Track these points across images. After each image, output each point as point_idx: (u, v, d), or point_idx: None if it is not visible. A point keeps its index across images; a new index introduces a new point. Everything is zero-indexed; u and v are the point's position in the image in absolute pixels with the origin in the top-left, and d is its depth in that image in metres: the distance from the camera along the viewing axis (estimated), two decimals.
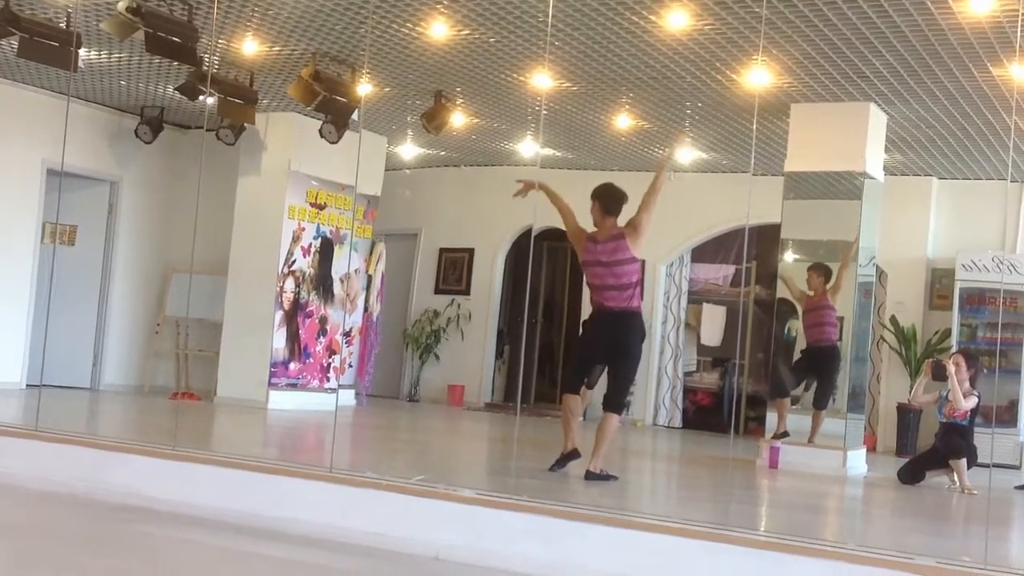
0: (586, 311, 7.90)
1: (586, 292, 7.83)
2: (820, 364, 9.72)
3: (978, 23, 7.16)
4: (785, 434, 9.51)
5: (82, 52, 9.23)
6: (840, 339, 9.79)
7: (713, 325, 13.35)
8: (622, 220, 7.48)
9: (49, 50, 8.59)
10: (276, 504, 5.96)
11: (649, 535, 5.27)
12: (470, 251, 14.39)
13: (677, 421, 13.16)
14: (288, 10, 8.15)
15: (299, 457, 8.19)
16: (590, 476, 7.12)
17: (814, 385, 9.90)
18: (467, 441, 10.75)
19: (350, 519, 5.75)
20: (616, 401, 7.35)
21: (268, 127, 11.54)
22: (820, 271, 9.76)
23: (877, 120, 9.47)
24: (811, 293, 9.81)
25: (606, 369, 7.52)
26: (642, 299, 7.54)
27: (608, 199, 7.46)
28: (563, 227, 7.71)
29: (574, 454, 7.32)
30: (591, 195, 7.50)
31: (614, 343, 7.29)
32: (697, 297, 13.46)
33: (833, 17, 7.30)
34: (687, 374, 13.37)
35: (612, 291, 7.26)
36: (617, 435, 7.54)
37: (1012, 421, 10.98)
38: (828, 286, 9.70)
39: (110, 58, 9.90)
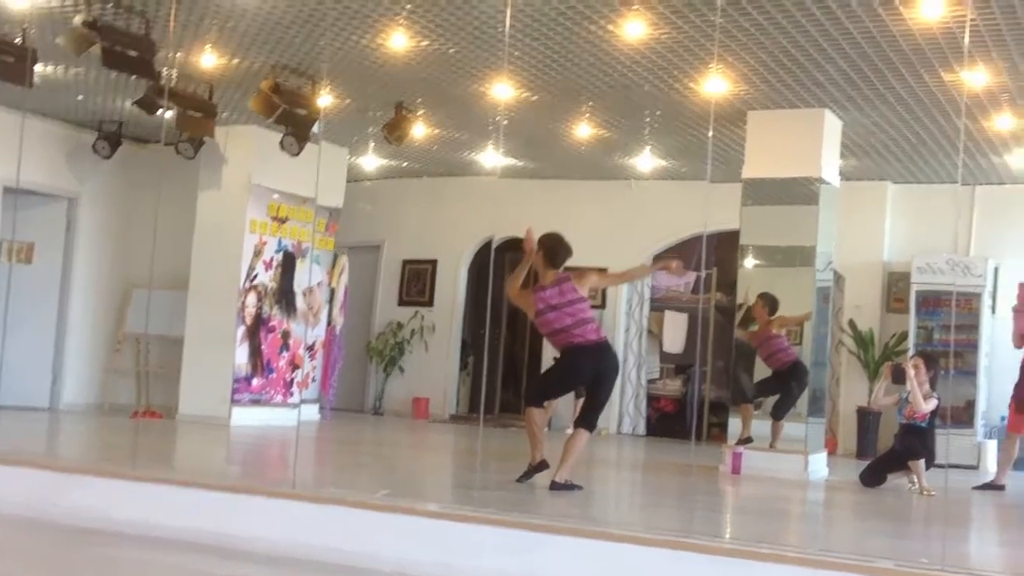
0: None
1: None
2: (788, 379, 9.82)
3: (929, 29, 7.27)
4: (749, 439, 9.58)
5: (38, 67, 9.15)
6: (801, 343, 9.88)
7: (675, 332, 13.43)
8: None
9: (4, 66, 8.51)
10: (239, 523, 5.91)
11: (616, 545, 5.28)
12: (433, 262, 14.37)
13: (641, 429, 13.22)
14: (247, 23, 8.13)
15: (262, 474, 8.15)
16: (555, 487, 7.15)
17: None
18: (432, 454, 10.74)
19: (314, 536, 5.73)
20: (591, 420, 7.46)
21: (228, 140, 11.48)
22: (766, 302, 9.84)
23: (832, 126, 9.58)
24: (754, 327, 9.94)
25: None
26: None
27: (553, 252, 7.47)
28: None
29: (543, 465, 7.35)
30: (538, 240, 7.48)
31: (598, 374, 7.40)
32: (659, 304, 13.54)
33: (787, 25, 7.39)
34: (650, 381, 13.43)
35: (574, 329, 7.32)
36: (585, 448, 7.60)
37: (969, 422, 11.12)
38: (772, 317, 9.80)
39: (67, 73, 9.82)
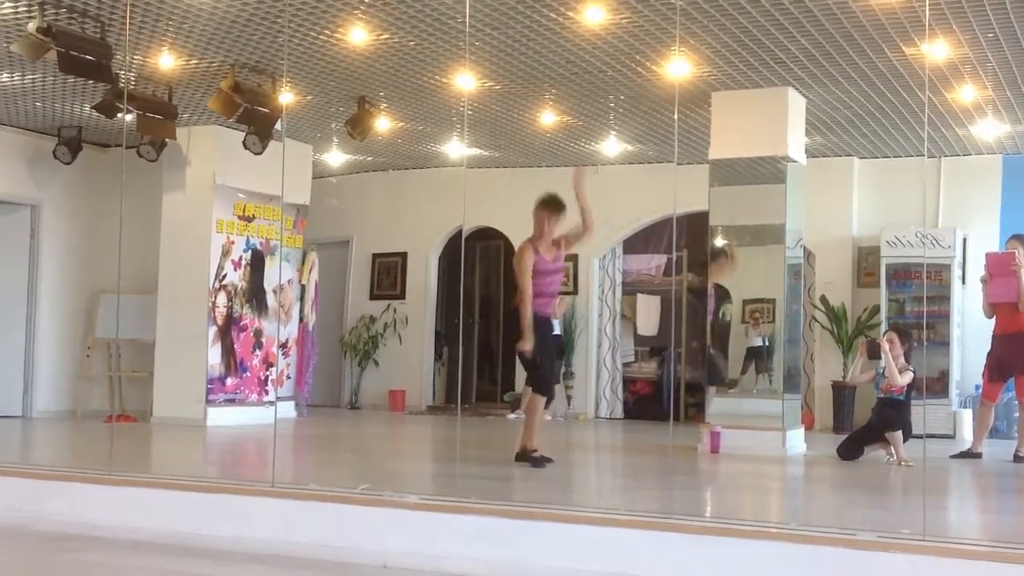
0: None
1: None
2: None
3: (888, 3, 7.29)
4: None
5: None
6: (774, 321, 9.92)
7: (648, 315, 13.46)
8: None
9: None
10: (218, 523, 5.88)
11: (598, 528, 5.28)
12: (403, 255, 14.36)
13: (619, 412, 13.25)
14: (203, 22, 8.05)
15: (240, 473, 8.10)
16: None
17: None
18: (410, 446, 10.72)
19: (294, 533, 5.70)
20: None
21: (190, 141, 11.39)
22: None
23: (796, 104, 9.61)
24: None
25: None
26: None
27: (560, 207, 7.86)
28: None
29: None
30: (545, 201, 7.83)
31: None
32: (631, 288, 13.57)
33: (747, 5, 7.39)
34: (625, 365, 13.47)
35: (550, 298, 7.73)
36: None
37: (943, 392, 11.21)
38: None
39: (23, 80, 9.70)
